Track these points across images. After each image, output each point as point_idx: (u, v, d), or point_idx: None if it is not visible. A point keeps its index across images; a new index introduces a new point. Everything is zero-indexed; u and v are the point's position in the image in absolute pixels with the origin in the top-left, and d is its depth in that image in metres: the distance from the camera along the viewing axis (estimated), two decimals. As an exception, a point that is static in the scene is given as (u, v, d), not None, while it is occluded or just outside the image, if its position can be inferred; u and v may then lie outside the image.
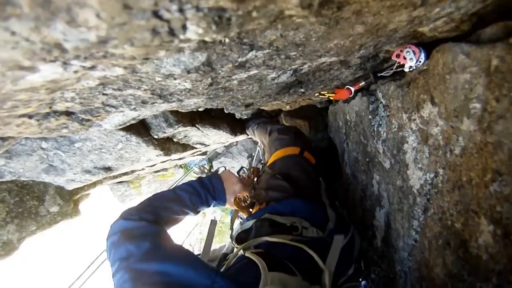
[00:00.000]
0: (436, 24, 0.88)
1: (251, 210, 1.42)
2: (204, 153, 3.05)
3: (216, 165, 3.73)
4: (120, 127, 0.94)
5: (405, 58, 1.08)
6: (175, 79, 0.67)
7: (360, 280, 1.48)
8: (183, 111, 1.18)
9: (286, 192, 1.37)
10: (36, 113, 0.65)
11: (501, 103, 0.74)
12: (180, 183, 1.24)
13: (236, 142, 3.34)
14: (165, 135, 2.06)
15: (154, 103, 0.84)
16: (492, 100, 0.77)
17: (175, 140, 2.24)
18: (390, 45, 1.06)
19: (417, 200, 1.12)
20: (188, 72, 0.64)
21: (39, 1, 0.28)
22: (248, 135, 2.47)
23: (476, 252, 0.81)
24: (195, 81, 0.74)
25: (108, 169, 1.74)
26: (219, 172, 1.33)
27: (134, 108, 0.82)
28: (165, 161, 2.39)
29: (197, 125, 2.24)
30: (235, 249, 1.03)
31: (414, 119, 1.12)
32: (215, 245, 1.50)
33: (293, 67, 0.91)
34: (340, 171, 2.11)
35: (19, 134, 0.73)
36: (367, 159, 1.58)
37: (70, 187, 1.71)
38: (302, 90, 1.40)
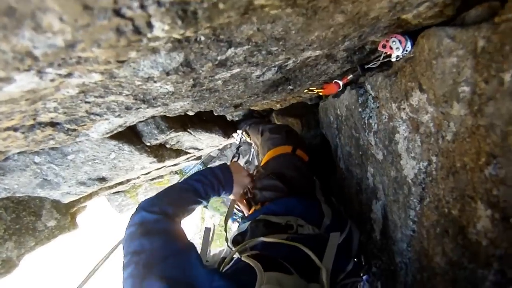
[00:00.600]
0: (419, 10, 0.88)
1: (252, 208, 1.44)
2: (199, 158, 3.05)
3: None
4: (108, 135, 0.94)
5: (391, 48, 1.09)
6: (155, 82, 0.68)
7: (362, 275, 1.49)
8: (171, 115, 1.18)
9: (280, 192, 1.39)
10: (20, 125, 0.65)
11: (490, 85, 0.75)
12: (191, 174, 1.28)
13: (230, 144, 3.35)
14: (158, 141, 2.06)
15: (138, 108, 0.85)
16: (481, 82, 0.78)
17: (168, 146, 2.25)
18: (375, 35, 1.07)
19: (412, 190, 1.13)
20: (168, 73, 0.65)
21: (3, 10, 0.28)
22: (241, 136, 2.48)
23: (475, 238, 0.81)
24: (177, 83, 0.75)
25: (102, 179, 1.74)
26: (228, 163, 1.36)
27: (119, 115, 0.83)
28: (160, 168, 2.38)
29: (189, 130, 2.24)
30: (231, 252, 1.05)
31: (404, 108, 1.13)
32: (214, 250, 1.51)
33: (277, 63, 0.91)
34: (335, 167, 2.12)
35: (6, 148, 0.74)
36: (360, 152, 1.59)
37: (66, 200, 1.70)
38: (290, 87, 1.41)
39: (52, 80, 0.47)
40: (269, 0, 0.39)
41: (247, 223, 1.24)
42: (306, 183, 1.56)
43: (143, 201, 1.00)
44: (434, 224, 1.00)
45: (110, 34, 0.34)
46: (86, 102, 0.68)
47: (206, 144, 2.35)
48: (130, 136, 1.94)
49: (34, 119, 0.65)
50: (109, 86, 0.63)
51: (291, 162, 1.57)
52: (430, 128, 0.99)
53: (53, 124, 0.73)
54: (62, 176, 1.53)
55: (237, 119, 2.38)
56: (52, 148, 1.56)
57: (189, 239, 0.94)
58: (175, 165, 2.60)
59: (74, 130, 0.80)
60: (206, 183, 1.19)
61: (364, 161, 1.55)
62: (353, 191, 1.77)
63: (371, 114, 1.41)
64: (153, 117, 1.99)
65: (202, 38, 0.55)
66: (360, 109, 1.47)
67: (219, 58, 0.67)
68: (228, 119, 2.36)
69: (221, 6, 0.37)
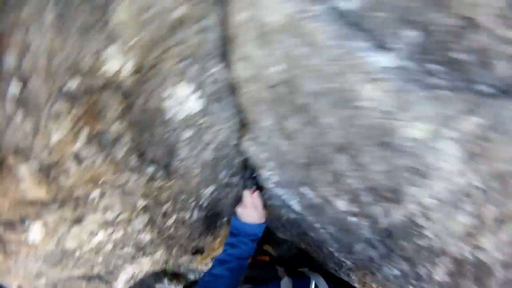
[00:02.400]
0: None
1: None
2: None
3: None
4: (127, 286, 1.68)
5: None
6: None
7: None
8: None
9: None
10: (86, 275, 1.43)
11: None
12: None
13: None
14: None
15: (138, 257, 1.69)
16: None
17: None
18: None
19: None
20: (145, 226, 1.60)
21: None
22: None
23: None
24: (151, 232, 1.68)
25: None
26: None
27: (130, 263, 1.65)
28: None
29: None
30: None
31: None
32: None
33: (192, 204, 1.53)
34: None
35: (73, 297, 1.44)
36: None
37: None
38: (226, 218, 1.95)
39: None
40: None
41: None
42: (269, 271, 2.10)
43: None
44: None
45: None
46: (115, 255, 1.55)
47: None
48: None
49: (92, 269, 1.47)
50: (125, 241, 1.53)
51: (252, 266, 2.13)
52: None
53: (100, 277, 1.52)
54: None
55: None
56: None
57: None
58: None
59: (109, 282, 1.58)
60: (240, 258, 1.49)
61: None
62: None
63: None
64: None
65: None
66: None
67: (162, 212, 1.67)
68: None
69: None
